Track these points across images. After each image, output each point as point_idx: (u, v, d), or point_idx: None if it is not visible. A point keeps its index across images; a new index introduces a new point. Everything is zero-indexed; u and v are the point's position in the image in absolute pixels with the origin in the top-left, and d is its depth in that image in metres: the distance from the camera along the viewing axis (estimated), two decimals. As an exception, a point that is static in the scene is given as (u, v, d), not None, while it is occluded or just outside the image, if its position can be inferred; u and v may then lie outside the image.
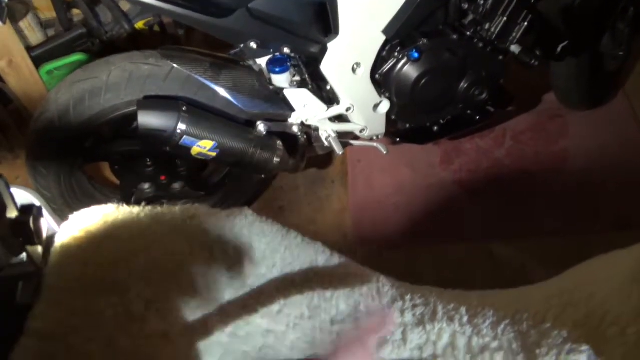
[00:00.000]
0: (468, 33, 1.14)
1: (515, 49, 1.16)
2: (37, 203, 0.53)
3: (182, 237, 0.55)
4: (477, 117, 1.33)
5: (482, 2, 1.09)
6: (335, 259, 0.62)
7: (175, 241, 0.55)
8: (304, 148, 1.29)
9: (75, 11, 1.71)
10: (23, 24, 1.65)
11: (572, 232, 1.32)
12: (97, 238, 0.53)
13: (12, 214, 0.48)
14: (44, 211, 0.53)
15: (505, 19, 1.09)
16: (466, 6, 1.12)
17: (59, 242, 0.54)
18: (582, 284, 0.53)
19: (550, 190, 1.44)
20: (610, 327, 0.46)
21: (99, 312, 0.46)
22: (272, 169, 1.24)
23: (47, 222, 0.53)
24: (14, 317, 0.47)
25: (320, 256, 0.62)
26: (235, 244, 0.57)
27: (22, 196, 0.81)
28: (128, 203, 0.64)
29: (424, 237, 1.41)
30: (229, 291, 0.54)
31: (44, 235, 0.52)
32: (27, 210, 0.50)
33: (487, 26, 1.11)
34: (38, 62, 1.59)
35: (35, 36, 1.69)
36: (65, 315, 0.48)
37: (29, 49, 1.60)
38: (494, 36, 1.11)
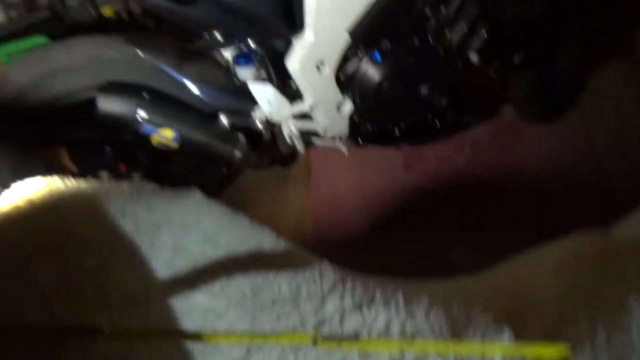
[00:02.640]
0: (430, 39, 1.17)
1: (474, 58, 1.20)
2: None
3: (129, 214, 0.55)
4: (438, 123, 1.36)
5: (444, 10, 1.13)
6: (282, 244, 0.63)
7: (120, 217, 0.55)
8: (267, 145, 1.30)
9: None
10: (-16, 5, 1.60)
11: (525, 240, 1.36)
12: (39, 207, 0.52)
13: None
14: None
15: (464, 27, 1.13)
16: (429, 13, 1.14)
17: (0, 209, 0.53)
18: (511, 274, 0.55)
19: (506, 199, 1.49)
20: (531, 313, 0.49)
21: (33, 276, 0.46)
22: (234, 163, 1.25)
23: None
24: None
25: (266, 240, 0.63)
26: (180, 222, 0.57)
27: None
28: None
29: (381, 242, 1.43)
30: (172, 267, 0.55)
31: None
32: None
33: (447, 34, 1.14)
34: (-1, 43, 1.55)
35: (-3, 17, 1.64)
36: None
37: (-10, 29, 1.55)
38: (453, 44, 1.15)
